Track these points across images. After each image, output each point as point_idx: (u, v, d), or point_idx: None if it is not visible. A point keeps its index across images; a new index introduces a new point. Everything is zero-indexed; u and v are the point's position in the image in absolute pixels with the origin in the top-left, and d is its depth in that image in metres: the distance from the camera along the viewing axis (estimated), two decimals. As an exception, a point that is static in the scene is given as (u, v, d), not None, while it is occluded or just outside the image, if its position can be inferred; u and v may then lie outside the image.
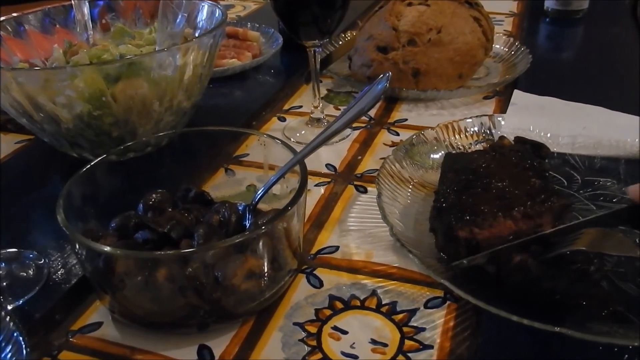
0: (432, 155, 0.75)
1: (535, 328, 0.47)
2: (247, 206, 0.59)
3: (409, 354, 0.50)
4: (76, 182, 0.57)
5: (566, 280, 0.51)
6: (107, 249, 0.48)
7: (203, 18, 0.87)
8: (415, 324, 0.53)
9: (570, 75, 1.09)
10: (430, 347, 0.50)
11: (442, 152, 0.75)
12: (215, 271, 0.48)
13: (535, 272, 0.51)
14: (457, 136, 0.78)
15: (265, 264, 0.52)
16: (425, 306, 0.55)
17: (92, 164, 0.59)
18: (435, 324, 0.53)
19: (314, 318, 0.54)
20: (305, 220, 0.67)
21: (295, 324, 0.53)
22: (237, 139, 0.76)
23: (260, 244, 0.50)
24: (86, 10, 0.90)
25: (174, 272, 0.48)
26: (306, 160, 0.78)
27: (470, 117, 0.80)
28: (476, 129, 0.79)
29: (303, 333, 0.52)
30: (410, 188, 0.70)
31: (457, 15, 0.99)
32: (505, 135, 0.73)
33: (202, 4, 0.86)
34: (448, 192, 0.59)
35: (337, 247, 0.63)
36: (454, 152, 0.75)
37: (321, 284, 0.58)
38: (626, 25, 1.31)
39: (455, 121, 0.79)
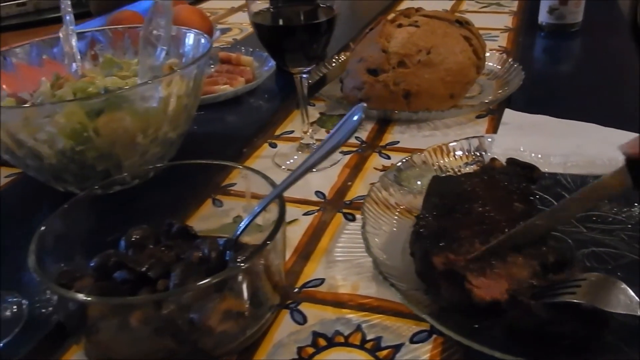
0: (418, 182, 0.73)
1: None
2: (227, 241, 0.58)
3: (393, 393, 0.48)
4: (54, 220, 0.56)
5: (573, 324, 0.49)
6: (78, 295, 0.47)
7: (189, 47, 0.86)
8: (400, 360, 0.51)
9: (566, 90, 1.08)
10: (415, 385, 0.49)
11: (432, 176, 0.73)
12: (191, 313, 0.47)
13: (540, 316, 0.49)
14: (446, 159, 0.77)
15: (244, 302, 0.50)
16: (411, 341, 0.53)
17: (69, 202, 0.59)
18: (421, 359, 0.51)
19: (296, 357, 0.52)
20: (292, 251, 0.66)
21: (277, 363, 0.52)
22: (222, 171, 0.75)
23: (237, 282, 0.49)
24: (74, 41, 0.90)
25: (148, 315, 0.47)
26: (295, 188, 0.77)
27: (458, 140, 0.79)
28: (466, 151, 0.78)
29: (284, 374, 0.51)
30: (397, 215, 0.69)
31: (447, 35, 0.98)
32: (496, 157, 0.72)
33: (188, 33, 0.86)
34: (428, 217, 0.58)
35: (323, 280, 0.62)
36: (442, 175, 0.74)
37: (305, 320, 0.57)
38: (622, 37, 1.30)
39: (445, 144, 0.78)
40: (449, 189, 0.64)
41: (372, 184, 0.73)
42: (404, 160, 0.75)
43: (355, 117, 0.53)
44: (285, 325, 0.56)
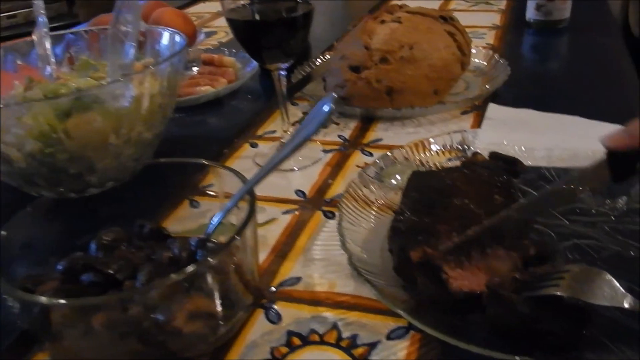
0: (398, 176, 0.72)
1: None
2: (199, 240, 0.56)
3: (368, 392, 0.47)
4: (17, 224, 0.54)
5: (556, 320, 0.47)
6: (36, 298, 0.45)
7: (165, 46, 0.84)
8: (376, 358, 0.49)
9: (553, 86, 1.06)
10: (390, 383, 0.47)
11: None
12: (156, 314, 0.45)
13: (522, 311, 0.47)
14: (427, 154, 0.75)
15: (213, 301, 0.49)
16: (388, 338, 0.51)
17: (31, 205, 0.57)
18: (397, 356, 0.49)
19: (269, 357, 0.51)
20: (270, 250, 0.65)
21: (248, 364, 0.50)
22: (196, 170, 0.74)
23: (203, 280, 0.47)
24: (48, 44, 0.88)
25: (111, 317, 0.45)
26: (275, 187, 0.76)
27: (440, 134, 0.77)
28: (448, 146, 0.76)
29: (256, 375, 0.49)
30: (377, 212, 0.67)
31: (431, 31, 0.97)
32: (479, 152, 0.71)
33: (162, 32, 0.84)
34: (406, 212, 0.57)
35: (300, 279, 0.60)
36: (423, 170, 0.72)
37: (280, 319, 0.55)
38: (609, 34, 1.29)
39: (426, 139, 0.76)
40: (429, 183, 0.63)
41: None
42: (385, 155, 0.73)
43: (325, 108, 0.51)
44: (259, 325, 0.54)
